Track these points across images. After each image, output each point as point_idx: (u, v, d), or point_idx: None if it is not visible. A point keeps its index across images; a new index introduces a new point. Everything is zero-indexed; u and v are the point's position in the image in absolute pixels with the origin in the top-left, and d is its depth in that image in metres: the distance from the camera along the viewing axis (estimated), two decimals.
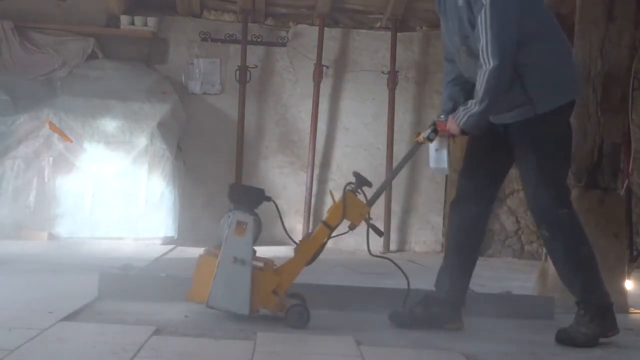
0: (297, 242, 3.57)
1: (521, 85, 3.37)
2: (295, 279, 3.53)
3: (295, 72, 7.39)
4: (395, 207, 7.31)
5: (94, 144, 6.52)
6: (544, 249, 4.27)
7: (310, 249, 3.51)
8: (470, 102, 3.36)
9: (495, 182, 3.71)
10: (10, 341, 2.74)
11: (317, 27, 7.33)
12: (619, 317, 3.54)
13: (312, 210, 7.19)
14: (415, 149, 3.69)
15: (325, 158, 7.41)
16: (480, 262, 3.83)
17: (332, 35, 7.45)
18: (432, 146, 3.57)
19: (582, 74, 4.26)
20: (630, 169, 5.38)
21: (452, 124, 3.44)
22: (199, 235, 6.69)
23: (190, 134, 7.18)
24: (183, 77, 7.28)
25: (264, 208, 3.61)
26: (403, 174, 7.27)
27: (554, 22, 3.50)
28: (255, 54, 7.31)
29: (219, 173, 7.09)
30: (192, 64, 7.29)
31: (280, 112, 7.40)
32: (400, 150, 6.98)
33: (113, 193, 6.50)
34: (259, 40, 7.34)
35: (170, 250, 6.22)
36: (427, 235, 7.42)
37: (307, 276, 3.69)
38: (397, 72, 7.33)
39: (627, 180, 5.22)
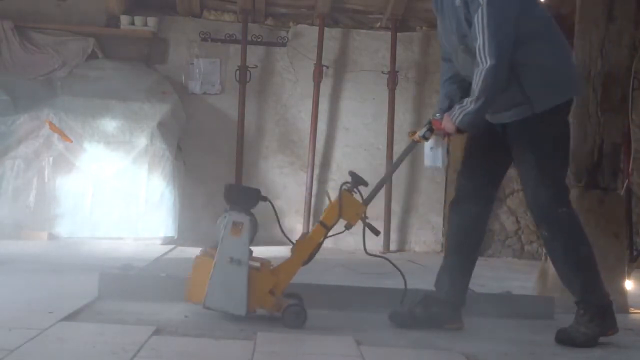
0: (294, 242, 3.57)
1: (519, 84, 3.37)
2: (292, 279, 3.53)
3: (295, 72, 7.39)
4: (395, 207, 7.31)
5: (94, 144, 6.52)
6: (544, 249, 4.27)
7: (307, 248, 3.51)
8: (466, 100, 3.36)
9: (493, 182, 3.71)
10: (10, 341, 2.74)
11: (317, 27, 7.33)
12: (619, 317, 3.54)
13: (312, 210, 7.19)
14: (411, 148, 3.69)
15: (325, 158, 7.41)
16: (480, 262, 3.83)
17: (332, 35, 7.45)
18: (428, 145, 3.58)
19: (582, 74, 4.26)
20: (630, 169, 5.38)
21: (448, 122, 3.44)
22: (199, 235, 6.68)
23: (190, 134, 7.18)
24: (183, 77, 7.28)
25: (263, 208, 3.62)
26: (403, 174, 7.28)
27: (552, 22, 3.50)
28: (255, 54, 7.31)
29: (219, 173, 7.08)
30: (192, 64, 7.29)
31: (280, 112, 7.40)
32: (400, 150, 6.91)
33: (113, 193, 6.50)
34: (259, 40, 7.34)
35: (170, 250, 6.22)
36: (427, 235, 7.42)
37: (307, 276, 3.69)
38: (397, 72, 7.33)
39: (627, 180, 5.22)
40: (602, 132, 4.34)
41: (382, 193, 6.95)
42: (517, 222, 7.35)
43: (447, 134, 3.52)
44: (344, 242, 6.30)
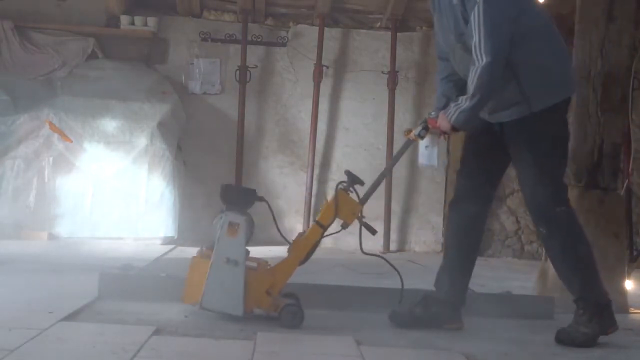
0: (291, 241, 3.57)
1: (517, 83, 3.37)
2: (289, 278, 3.52)
3: (295, 72, 7.39)
4: (395, 207, 7.31)
5: (94, 144, 6.52)
6: (543, 249, 4.27)
7: (304, 248, 3.51)
8: (461, 98, 3.36)
9: (492, 182, 3.71)
10: (10, 341, 2.74)
11: (317, 27, 7.32)
12: (619, 317, 3.55)
13: (312, 210, 7.19)
14: (406, 147, 3.69)
15: (325, 158, 7.41)
16: (480, 262, 3.83)
17: (332, 35, 7.45)
18: (423, 143, 3.57)
19: (582, 73, 4.26)
20: (630, 169, 5.38)
21: (443, 120, 3.44)
22: (199, 235, 6.67)
23: (190, 134, 7.18)
24: (183, 77, 7.28)
25: (262, 208, 3.61)
26: (403, 174, 7.28)
27: (550, 21, 3.51)
28: (255, 54, 7.31)
29: (219, 173, 7.08)
30: (192, 64, 7.29)
31: (280, 112, 7.40)
32: None
33: (113, 193, 6.49)
34: (259, 40, 7.34)
35: (170, 250, 6.22)
36: (427, 235, 7.42)
37: (306, 276, 3.69)
38: (397, 72, 7.33)
39: (627, 180, 5.22)
40: (602, 132, 4.34)
41: (382, 193, 6.99)
42: (517, 222, 7.35)
43: (442, 133, 3.52)
44: (344, 242, 6.30)
